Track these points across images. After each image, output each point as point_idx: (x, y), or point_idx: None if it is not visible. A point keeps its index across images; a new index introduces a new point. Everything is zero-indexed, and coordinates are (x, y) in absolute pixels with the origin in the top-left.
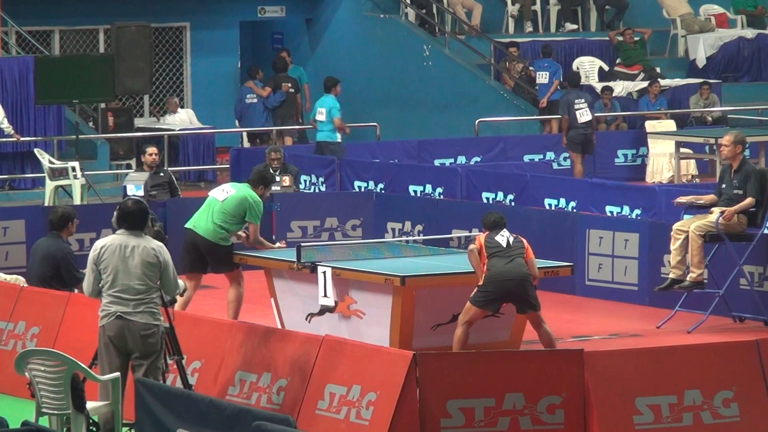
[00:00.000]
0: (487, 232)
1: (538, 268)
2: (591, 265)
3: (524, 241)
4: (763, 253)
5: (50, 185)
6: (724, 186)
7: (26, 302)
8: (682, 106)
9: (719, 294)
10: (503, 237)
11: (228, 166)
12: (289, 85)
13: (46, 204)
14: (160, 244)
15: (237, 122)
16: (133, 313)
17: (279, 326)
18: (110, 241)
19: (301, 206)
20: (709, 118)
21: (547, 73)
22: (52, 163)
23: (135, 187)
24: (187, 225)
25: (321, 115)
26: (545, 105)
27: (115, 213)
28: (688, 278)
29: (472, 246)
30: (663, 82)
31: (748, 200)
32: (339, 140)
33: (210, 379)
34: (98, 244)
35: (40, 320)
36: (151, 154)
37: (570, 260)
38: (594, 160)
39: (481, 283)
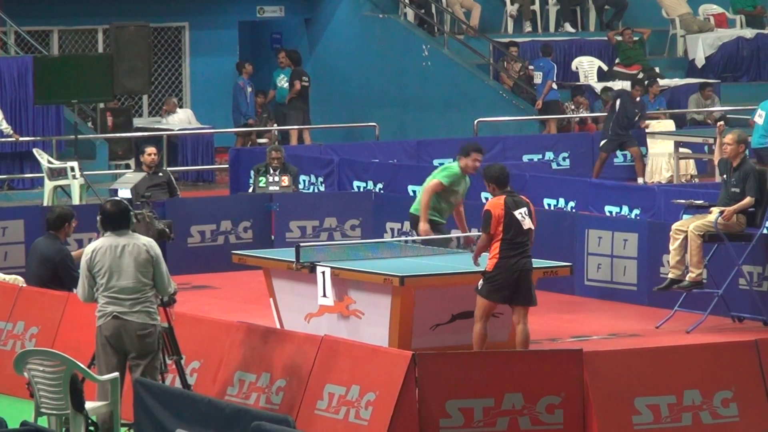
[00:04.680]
0: (504, 196)
1: (537, 268)
2: (590, 265)
3: (531, 206)
4: (762, 253)
5: (49, 185)
6: (724, 176)
7: (25, 302)
8: (681, 106)
9: (718, 294)
10: (524, 218)
11: (227, 166)
12: (306, 79)
13: (44, 204)
14: (150, 239)
15: (237, 120)
16: (130, 313)
17: (278, 326)
18: (100, 243)
19: (300, 206)
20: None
21: (541, 73)
22: (51, 163)
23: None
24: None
25: (760, 118)
26: (540, 106)
27: (98, 218)
28: (687, 278)
29: (484, 236)
30: (662, 82)
31: (747, 200)
32: None
33: (209, 379)
34: (89, 248)
35: (39, 320)
36: (150, 154)
37: (569, 260)
38: (593, 160)
39: (490, 269)
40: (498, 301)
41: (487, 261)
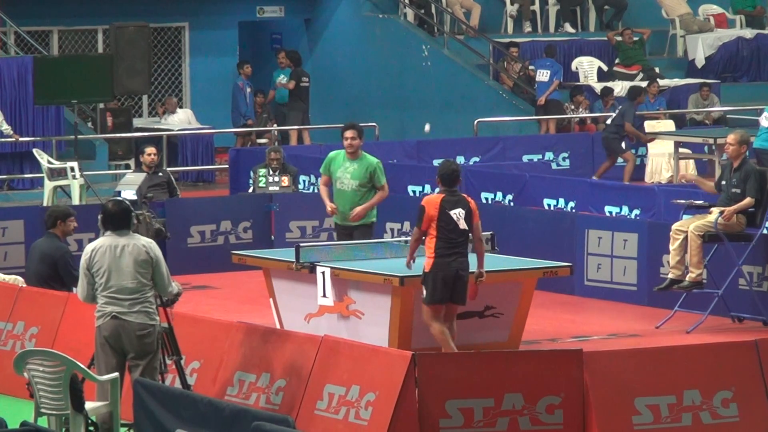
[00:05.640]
0: (442, 195)
1: (537, 268)
2: (590, 265)
3: (471, 204)
4: (762, 254)
5: (49, 185)
6: (723, 183)
7: (25, 302)
8: (681, 107)
9: (718, 294)
10: (459, 217)
11: (227, 166)
12: (306, 79)
13: (44, 204)
14: (150, 240)
15: (236, 120)
16: (129, 313)
17: (278, 326)
18: (100, 243)
19: (300, 206)
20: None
21: (549, 71)
22: (51, 164)
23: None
24: None
25: (766, 120)
26: (543, 103)
27: (99, 217)
28: (687, 278)
29: (416, 230)
30: (662, 82)
31: (747, 200)
32: None
33: (209, 380)
34: (89, 248)
35: (39, 320)
36: (149, 154)
37: (569, 260)
38: (593, 160)
39: (427, 269)
40: (440, 302)
41: (425, 261)
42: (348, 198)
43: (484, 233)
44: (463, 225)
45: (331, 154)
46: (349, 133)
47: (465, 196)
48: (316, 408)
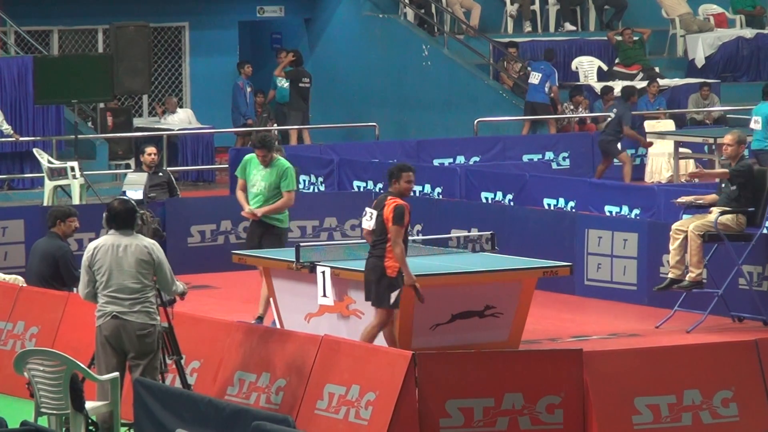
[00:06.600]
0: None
1: (537, 268)
2: (590, 264)
3: (386, 206)
4: (762, 253)
5: (49, 185)
6: (723, 185)
7: (25, 302)
8: (681, 106)
9: (718, 294)
10: (368, 220)
11: (227, 166)
12: (307, 79)
13: (45, 204)
14: (153, 241)
15: (236, 120)
16: (129, 313)
17: (278, 326)
18: (102, 241)
19: (300, 206)
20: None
21: (540, 74)
22: (51, 163)
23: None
24: None
25: (757, 124)
26: (560, 109)
27: (104, 215)
28: (687, 278)
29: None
30: (662, 81)
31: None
32: None
33: (209, 379)
34: (91, 246)
35: (39, 320)
36: (150, 154)
37: (569, 260)
38: (593, 160)
39: None
40: (366, 300)
41: None
42: (260, 202)
43: (483, 233)
44: (364, 224)
45: (247, 157)
46: (259, 153)
47: (392, 198)
48: (316, 408)
